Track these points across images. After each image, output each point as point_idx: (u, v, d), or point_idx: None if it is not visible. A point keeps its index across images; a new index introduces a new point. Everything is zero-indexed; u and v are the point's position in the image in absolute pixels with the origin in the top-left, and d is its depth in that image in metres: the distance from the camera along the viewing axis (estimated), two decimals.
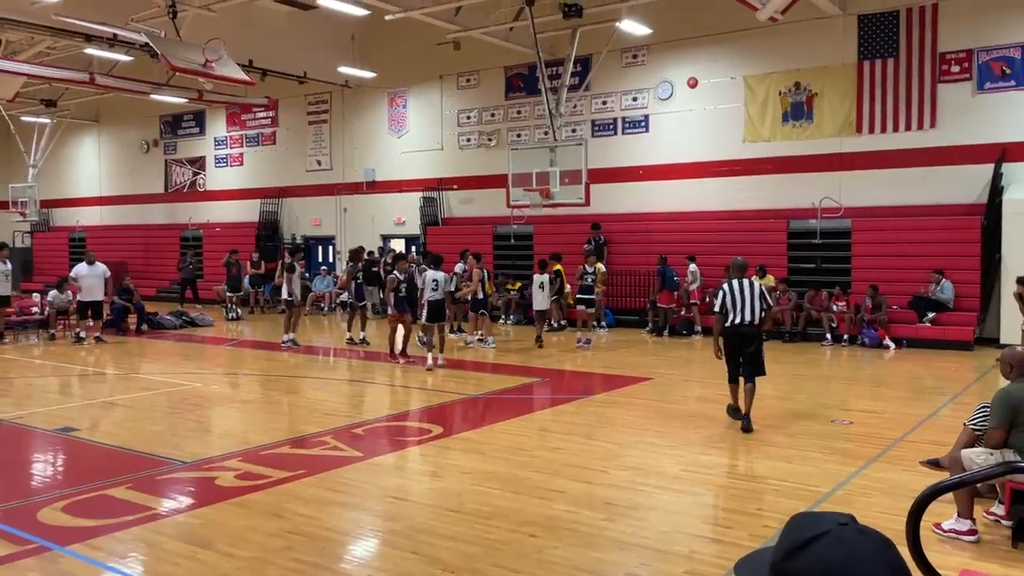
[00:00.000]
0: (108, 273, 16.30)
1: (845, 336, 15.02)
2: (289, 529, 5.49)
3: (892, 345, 14.49)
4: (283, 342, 15.00)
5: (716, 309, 8.54)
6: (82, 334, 15.90)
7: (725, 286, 8.53)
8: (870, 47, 16.19)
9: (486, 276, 15.80)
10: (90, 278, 15.92)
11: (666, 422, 8.96)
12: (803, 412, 9.45)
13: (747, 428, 8.26)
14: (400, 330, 13.64)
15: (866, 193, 16.31)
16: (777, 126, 17.33)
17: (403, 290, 13.17)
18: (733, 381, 8.56)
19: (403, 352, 13.32)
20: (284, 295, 15.09)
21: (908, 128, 15.98)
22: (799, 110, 17.09)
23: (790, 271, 16.60)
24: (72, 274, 16.23)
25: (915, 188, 15.85)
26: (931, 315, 14.69)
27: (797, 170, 17.09)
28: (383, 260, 19.08)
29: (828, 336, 15.13)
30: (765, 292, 8.68)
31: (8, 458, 7.85)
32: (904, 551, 1.97)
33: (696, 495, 6.38)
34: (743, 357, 8.42)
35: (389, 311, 13.35)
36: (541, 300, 15.61)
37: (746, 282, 8.49)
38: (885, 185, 16.17)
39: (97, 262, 16.38)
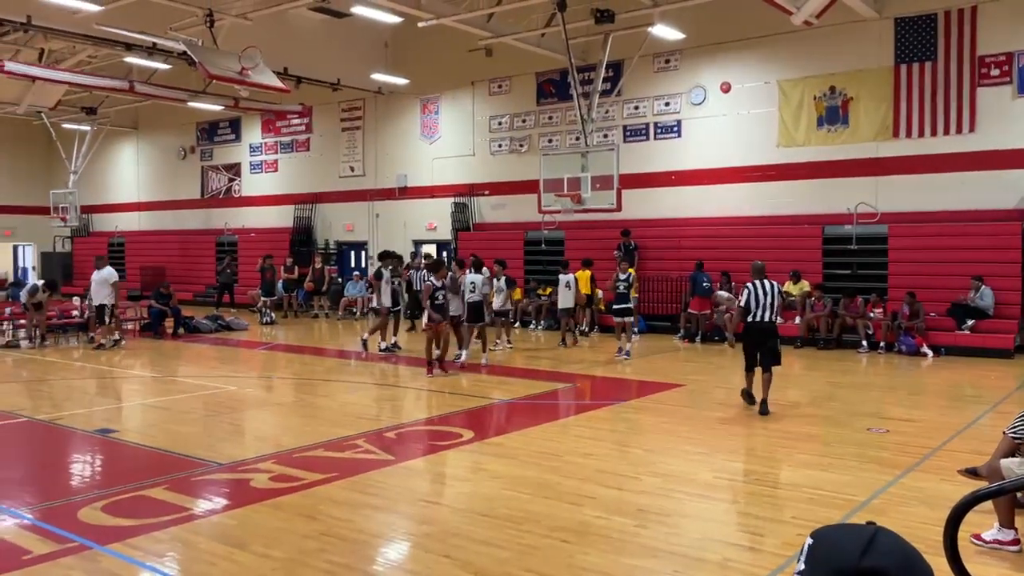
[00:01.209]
0: (113, 277, 16.12)
1: (882, 343, 14.81)
2: (323, 531, 5.54)
3: (930, 353, 14.25)
4: (381, 348, 14.91)
5: (741, 305, 9.51)
6: (117, 336, 16.17)
7: (749, 285, 9.46)
8: (907, 50, 15.96)
9: (504, 283, 15.73)
10: (95, 283, 16.03)
11: (698, 429, 8.91)
12: (838, 420, 9.32)
13: (764, 412, 9.28)
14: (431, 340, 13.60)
15: (903, 198, 16.07)
16: (812, 131, 17.15)
17: (440, 297, 12.60)
18: (750, 370, 9.53)
19: (440, 362, 12.58)
20: (373, 303, 15.06)
21: (947, 132, 15.72)
22: (834, 114, 16.90)
23: (825, 277, 16.40)
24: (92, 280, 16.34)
25: (954, 193, 15.59)
26: (970, 322, 14.43)
27: (832, 175, 16.89)
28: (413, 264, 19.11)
29: (864, 343, 14.93)
30: (781, 291, 9.80)
31: (49, 458, 8.02)
32: (942, 561, 1.95)
33: (729, 502, 6.33)
34: (762, 350, 9.39)
35: (425, 320, 12.73)
36: (566, 299, 15.83)
37: (767, 283, 9.42)
38: (923, 190, 15.92)
39: (107, 267, 16.33)
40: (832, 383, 12.05)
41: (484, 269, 14.18)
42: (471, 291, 13.49)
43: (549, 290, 19.04)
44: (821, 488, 6.47)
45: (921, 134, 15.97)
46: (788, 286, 16.39)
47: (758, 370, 9.48)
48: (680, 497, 6.33)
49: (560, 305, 16.13)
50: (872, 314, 15.14)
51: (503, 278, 15.85)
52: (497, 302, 15.39)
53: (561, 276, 16.02)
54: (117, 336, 16.24)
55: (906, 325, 14.60)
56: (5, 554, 5.22)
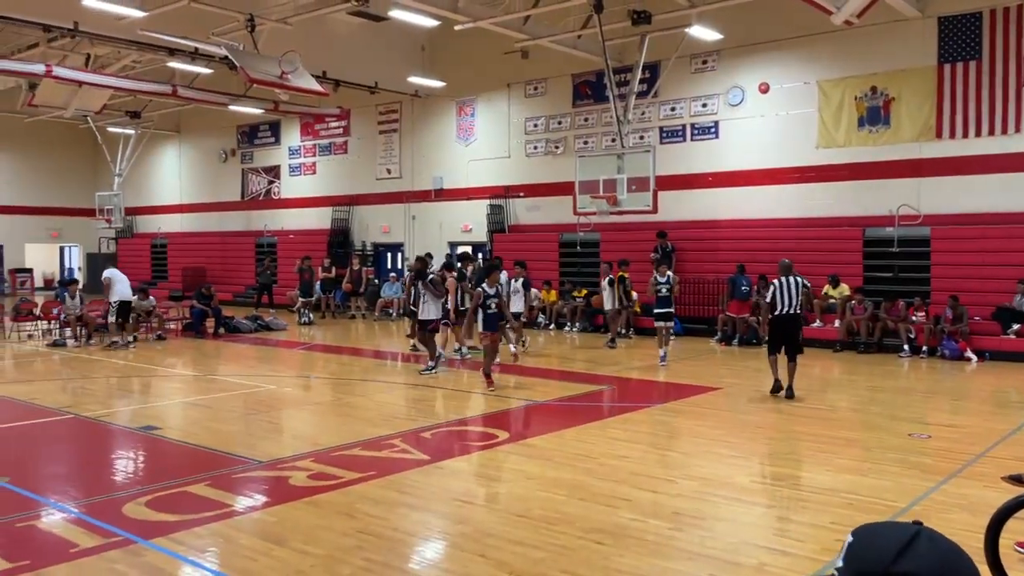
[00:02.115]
0: (105, 279, 16.48)
1: (924, 348, 14.54)
2: (360, 529, 5.61)
3: (974, 357, 13.97)
4: (461, 353, 14.34)
5: (767, 300, 10.74)
6: (161, 335, 16.50)
7: (776, 282, 10.52)
8: (951, 49, 15.67)
9: (521, 285, 15.52)
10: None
11: (735, 432, 8.85)
12: (879, 425, 9.19)
13: (791, 395, 10.33)
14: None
15: (946, 200, 15.78)
16: (852, 131, 16.92)
17: (492, 306, 11.49)
18: (773, 354, 10.59)
19: (486, 376, 11.45)
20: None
21: (991, 133, 15.40)
22: (875, 115, 16.65)
23: (866, 280, 16.17)
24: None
25: (999, 194, 15.26)
26: (1016, 326, 14.11)
27: (873, 176, 16.64)
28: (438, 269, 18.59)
29: (906, 347, 14.67)
30: (806, 285, 10.68)
31: (95, 455, 8.22)
32: (984, 568, 1.93)
33: (766, 506, 6.28)
34: (787, 340, 10.47)
35: (479, 330, 11.63)
36: (609, 300, 16.21)
37: (791, 279, 10.39)
38: (967, 192, 15.62)
39: (108, 268, 16.69)
40: (873, 387, 11.87)
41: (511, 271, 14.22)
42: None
43: (584, 292, 19.03)
44: (860, 493, 6.39)
45: (965, 135, 15.67)
46: (827, 289, 16.21)
47: (781, 358, 10.56)
48: (716, 501, 6.30)
49: (608, 306, 16.35)
50: (914, 317, 14.88)
51: (521, 279, 15.63)
52: (513, 305, 14.86)
53: (610, 278, 16.40)
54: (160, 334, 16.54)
55: (949, 329, 14.33)
56: (53, 547, 5.37)
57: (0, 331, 17.87)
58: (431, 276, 13.02)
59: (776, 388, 10.51)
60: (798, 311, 10.42)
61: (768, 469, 7.28)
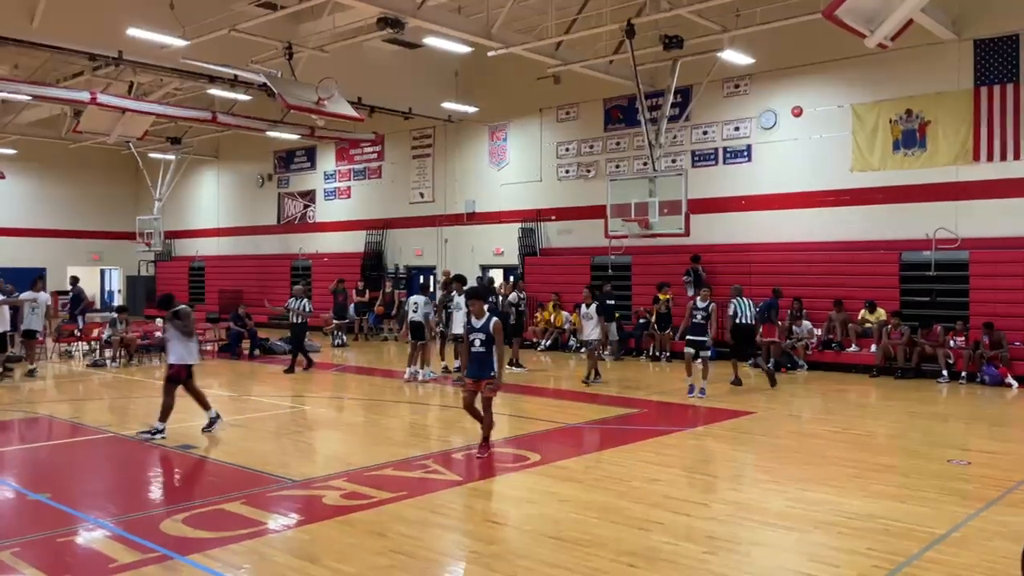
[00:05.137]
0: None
1: (963, 373, 14.28)
2: (392, 548, 5.64)
3: (1015, 384, 13.69)
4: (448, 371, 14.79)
5: (730, 314, 13.87)
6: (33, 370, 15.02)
7: (734, 301, 13.81)
8: (987, 72, 15.52)
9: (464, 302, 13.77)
10: None
11: (769, 457, 8.77)
12: (917, 451, 9.05)
13: (740, 382, 13.68)
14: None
15: (985, 223, 15.55)
16: (888, 155, 16.77)
17: (477, 343, 8.39)
18: (736, 358, 13.89)
19: (484, 441, 8.66)
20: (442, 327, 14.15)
21: None
22: (911, 138, 16.50)
23: (903, 304, 15.94)
24: None
25: None
26: None
27: (909, 200, 16.46)
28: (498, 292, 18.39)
29: (944, 373, 14.42)
30: (751, 305, 13.98)
31: (134, 472, 8.36)
32: None
33: (802, 532, 6.19)
34: (746, 343, 14.19)
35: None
36: (589, 329, 14.36)
37: (744, 300, 13.86)
38: (1006, 215, 15.38)
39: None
40: (910, 413, 11.68)
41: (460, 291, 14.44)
42: (413, 311, 14.37)
43: (616, 316, 18.96)
44: (899, 520, 6.28)
45: (1003, 157, 15.47)
46: (864, 314, 16.02)
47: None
48: (751, 525, 6.24)
49: (591, 336, 14.29)
50: (953, 343, 14.63)
51: (462, 296, 13.95)
52: (457, 324, 14.08)
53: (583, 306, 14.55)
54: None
55: (989, 355, 14.06)
56: (93, 562, 5.48)
57: (42, 351, 18.24)
58: (178, 308, 9.70)
59: (738, 382, 13.56)
60: (751, 322, 13.87)
61: (803, 494, 7.18)
